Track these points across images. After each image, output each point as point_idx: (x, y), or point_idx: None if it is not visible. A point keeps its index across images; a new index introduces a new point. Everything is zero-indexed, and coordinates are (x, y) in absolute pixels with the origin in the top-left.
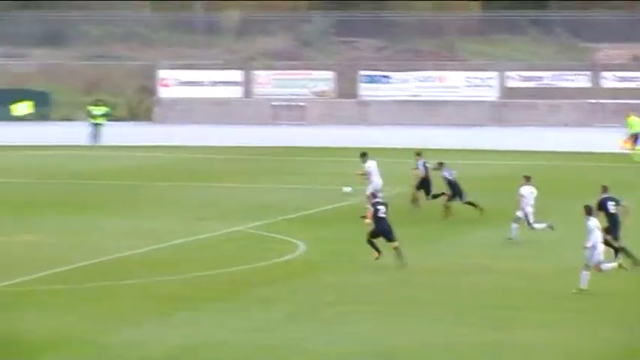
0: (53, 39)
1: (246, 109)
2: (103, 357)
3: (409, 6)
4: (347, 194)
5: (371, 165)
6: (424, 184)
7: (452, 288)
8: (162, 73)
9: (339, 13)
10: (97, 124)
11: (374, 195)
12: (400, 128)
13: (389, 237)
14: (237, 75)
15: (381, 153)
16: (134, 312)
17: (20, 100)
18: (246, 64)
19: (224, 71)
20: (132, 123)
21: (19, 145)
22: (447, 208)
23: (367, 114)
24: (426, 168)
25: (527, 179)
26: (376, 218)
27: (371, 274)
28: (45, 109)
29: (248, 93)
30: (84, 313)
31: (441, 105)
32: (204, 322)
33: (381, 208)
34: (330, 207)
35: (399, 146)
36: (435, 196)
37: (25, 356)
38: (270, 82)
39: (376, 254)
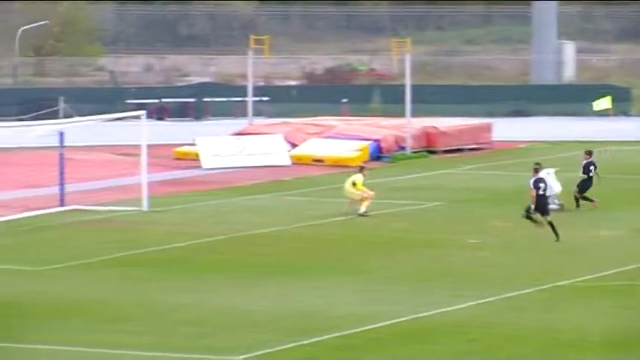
0: (633, 34)
1: None
2: None
3: None
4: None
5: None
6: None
7: None
8: None
9: None
10: None
11: (536, 170)
12: None
13: (545, 212)
14: None
15: None
16: None
17: (601, 95)
18: None
19: None
20: None
21: (599, 140)
22: None
23: None
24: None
25: None
26: (537, 195)
27: None
28: (625, 104)
29: None
30: None
31: None
32: None
33: (542, 185)
34: None
35: None
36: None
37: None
38: None
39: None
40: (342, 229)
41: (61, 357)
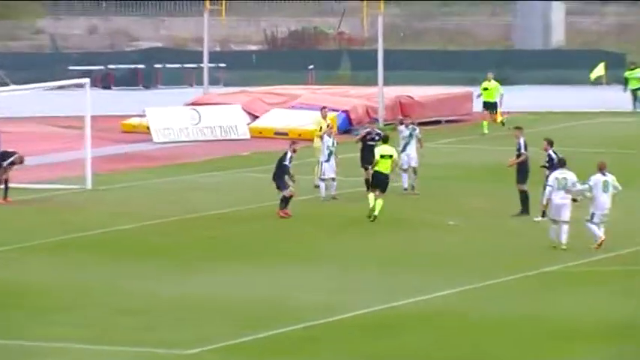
0: None
1: None
2: None
3: None
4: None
5: None
6: None
7: None
8: None
9: None
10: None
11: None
12: None
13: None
14: None
15: None
16: None
17: (595, 63)
18: None
19: None
20: None
21: (590, 110)
22: None
23: None
24: None
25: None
26: None
27: None
28: (620, 71)
29: None
30: None
31: None
32: None
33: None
34: None
35: None
36: None
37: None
38: None
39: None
40: (305, 209)
41: None
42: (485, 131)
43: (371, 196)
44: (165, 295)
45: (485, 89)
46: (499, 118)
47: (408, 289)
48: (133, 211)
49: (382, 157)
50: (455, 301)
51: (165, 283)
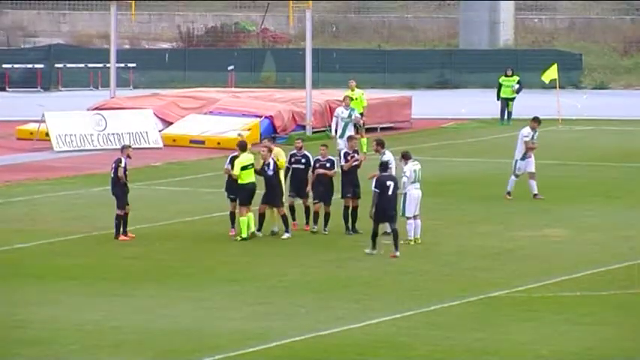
0: None
1: None
2: None
3: None
4: None
5: None
6: None
7: None
8: None
9: None
10: None
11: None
12: None
13: None
14: None
15: None
16: None
17: (549, 65)
18: None
19: None
20: None
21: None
22: None
23: None
24: None
25: None
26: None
27: None
28: (575, 74)
29: None
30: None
31: None
32: None
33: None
34: None
35: None
36: None
37: None
38: None
39: None
40: (225, 226)
41: None
42: (365, 150)
43: (243, 219)
44: (70, 324)
45: (350, 99)
46: (364, 137)
47: (340, 316)
48: (33, 228)
49: (245, 168)
50: (392, 329)
51: (72, 310)
